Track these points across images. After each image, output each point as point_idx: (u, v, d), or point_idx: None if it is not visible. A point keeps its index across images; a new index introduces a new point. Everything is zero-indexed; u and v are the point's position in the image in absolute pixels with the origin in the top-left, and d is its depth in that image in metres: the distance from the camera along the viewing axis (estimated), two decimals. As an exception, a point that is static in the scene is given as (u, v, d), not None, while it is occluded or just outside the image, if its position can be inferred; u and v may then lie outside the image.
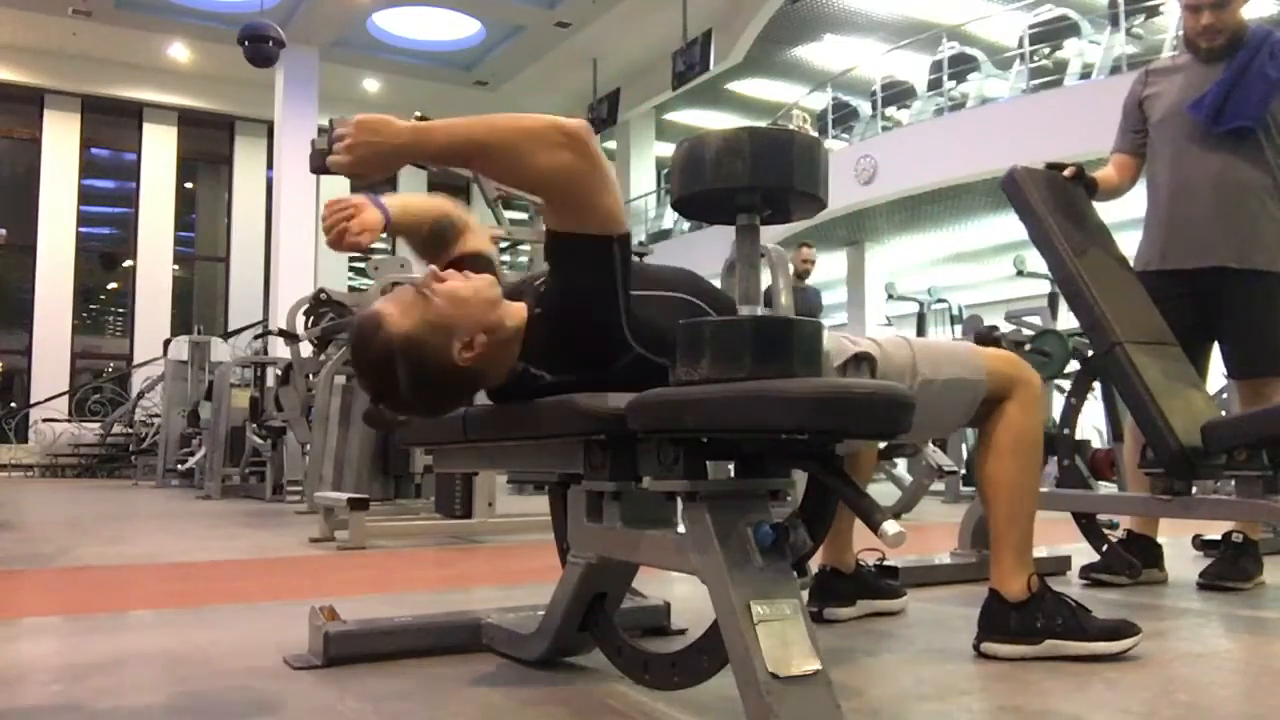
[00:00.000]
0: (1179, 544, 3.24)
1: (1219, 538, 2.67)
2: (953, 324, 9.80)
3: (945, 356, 1.67)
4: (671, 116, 16.17)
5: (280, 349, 8.13)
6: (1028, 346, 5.02)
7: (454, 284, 1.41)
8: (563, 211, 1.33)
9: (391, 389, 1.40)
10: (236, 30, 10.60)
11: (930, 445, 4.56)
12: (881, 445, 1.81)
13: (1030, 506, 1.74)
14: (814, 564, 2.11)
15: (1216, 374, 2.81)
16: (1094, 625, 1.68)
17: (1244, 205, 2.58)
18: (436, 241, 1.70)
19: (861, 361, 1.57)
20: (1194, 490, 2.30)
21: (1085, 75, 9.39)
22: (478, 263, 1.63)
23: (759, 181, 1.16)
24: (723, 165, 1.17)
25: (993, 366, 1.69)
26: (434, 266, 1.46)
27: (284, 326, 7.07)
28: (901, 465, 5.58)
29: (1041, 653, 1.66)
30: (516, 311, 1.44)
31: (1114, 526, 2.89)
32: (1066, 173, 2.56)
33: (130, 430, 12.39)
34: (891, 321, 11.88)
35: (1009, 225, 6.86)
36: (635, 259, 1.42)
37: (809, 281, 7.50)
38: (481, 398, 1.55)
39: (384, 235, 1.58)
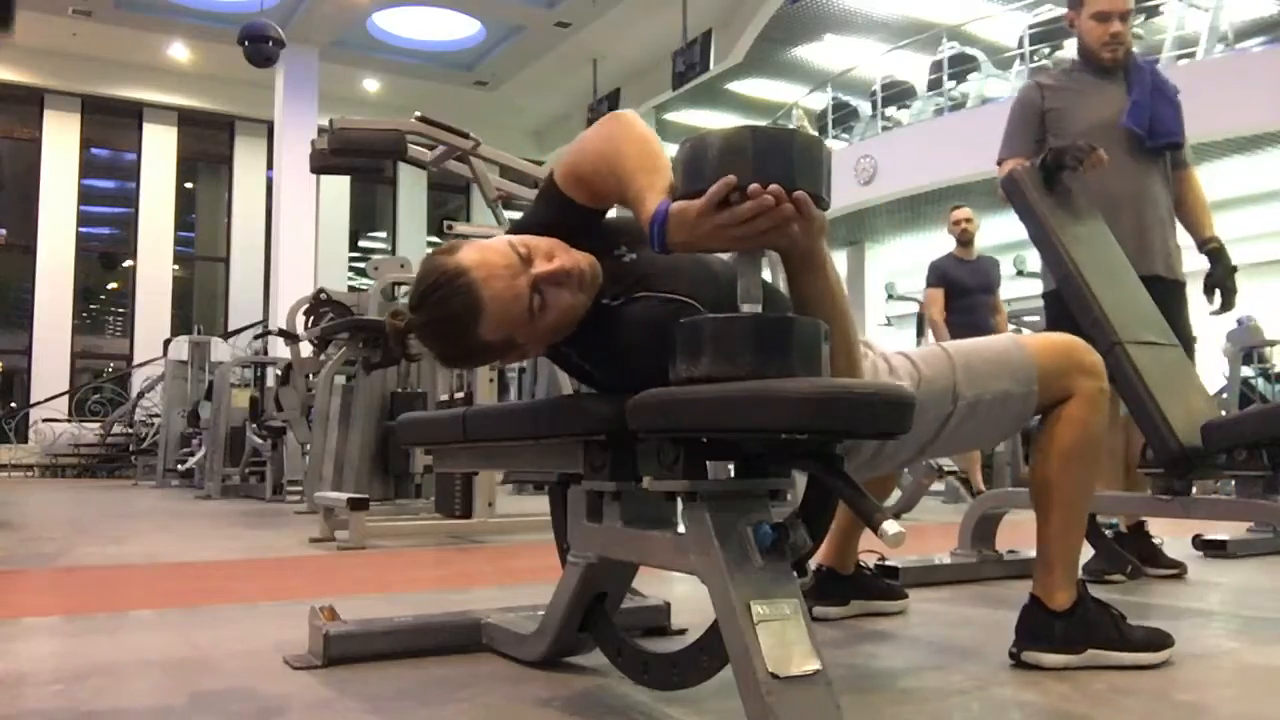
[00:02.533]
0: (1179, 544, 3.24)
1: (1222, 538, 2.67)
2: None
3: (992, 368, 1.54)
4: (671, 116, 16.17)
5: (280, 349, 8.14)
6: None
7: (564, 304, 1.32)
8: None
9: (436, 340, 1.35)
10: (236, 30, 10.60)
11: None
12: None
13: (1085, 514, 1.64)
14: (812, 563, 2.11)
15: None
16: (1136, 635, 1.63)
17: (1159, 219, 2.76)
18: None
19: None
20: (1194, 490, 2.31)
21: (1085, 75, 9.38)
22: None
23: (761, 180, 1.16)
24: (725, 164, 1.16)
25: (1045, 366, 1.56)
26: (559, 263, 1.31)
27: (284, 326, 7.08)
28: (901, 465, 5.57)
29: (1084, 662, 1.60)
30: (584, 306, 1.36)
31: (1113, 526, 2.90)
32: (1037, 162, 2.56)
33: (130, 430, 12.40)
34: (891, 322, 11.88)
35: (1009, 225, 6.86)
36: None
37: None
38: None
39: None
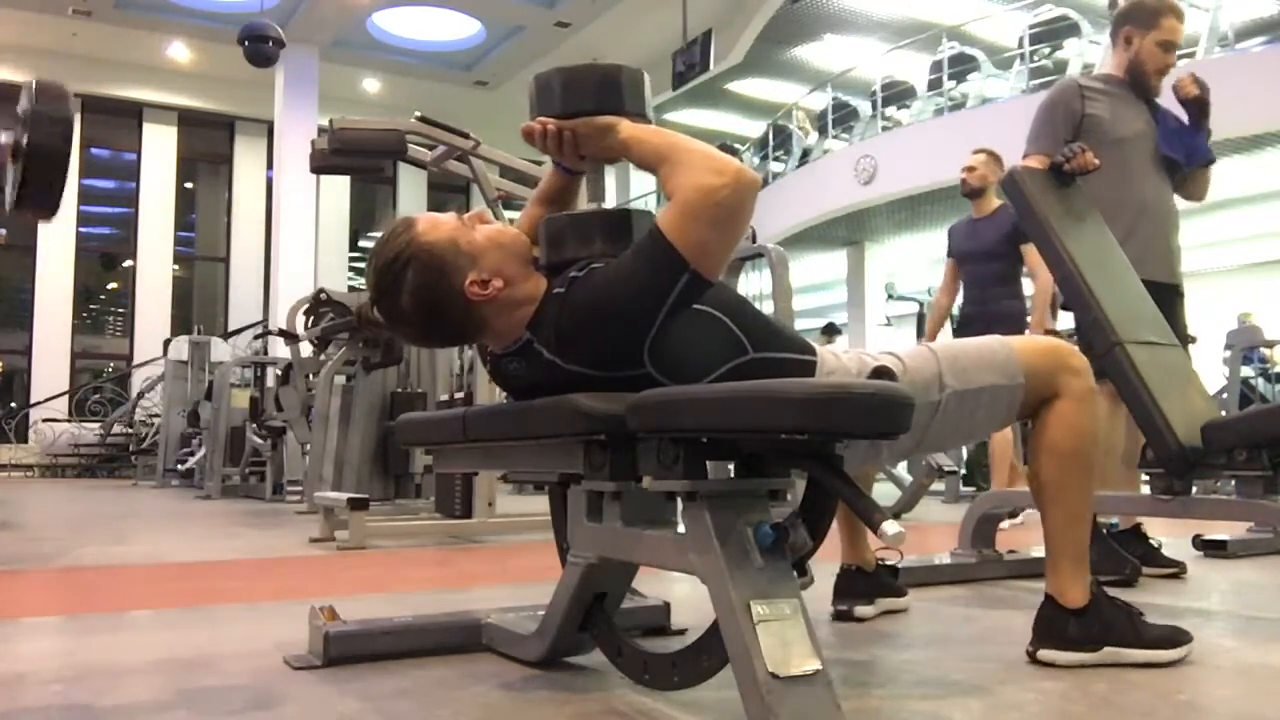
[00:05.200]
0: (1179, 544, 3.24)
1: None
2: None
3: (976, 362, 1.57)
4: (671, 116, 16.13)
5: (280, 349, 8.14)
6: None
7: (498, 228, 1.47)
8: (681, 218, 1.32)
9: (394, 291, 1.42)
10: (236, 30, 10.60)
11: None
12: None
13: (1087, 509, 1.65)
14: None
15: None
16: (1151, 632, 1.64)
17: (1175, 230, 2.90)
18: None
19: (881, 376, 1.47)
20: (1194, 490, 2.31)
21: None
22: None
23: (548, 111, 1.49)
24: (535, 105, 1.51)
25: (1032, 364, 1.58)
26: (482, 209, 1.53)
27: (284, 326, 7.08)
28: (901, 465, 5.58)
29: (1100, 660, 1.60)
30: (537, 281, 1.45)
31: (1114, 527, 2.90)
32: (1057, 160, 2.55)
33: (130, 430, 12.40)
34: (891, 321, 11.87)
35: (1009, 225, 6.78)
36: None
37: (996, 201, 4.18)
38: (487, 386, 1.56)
39: None
